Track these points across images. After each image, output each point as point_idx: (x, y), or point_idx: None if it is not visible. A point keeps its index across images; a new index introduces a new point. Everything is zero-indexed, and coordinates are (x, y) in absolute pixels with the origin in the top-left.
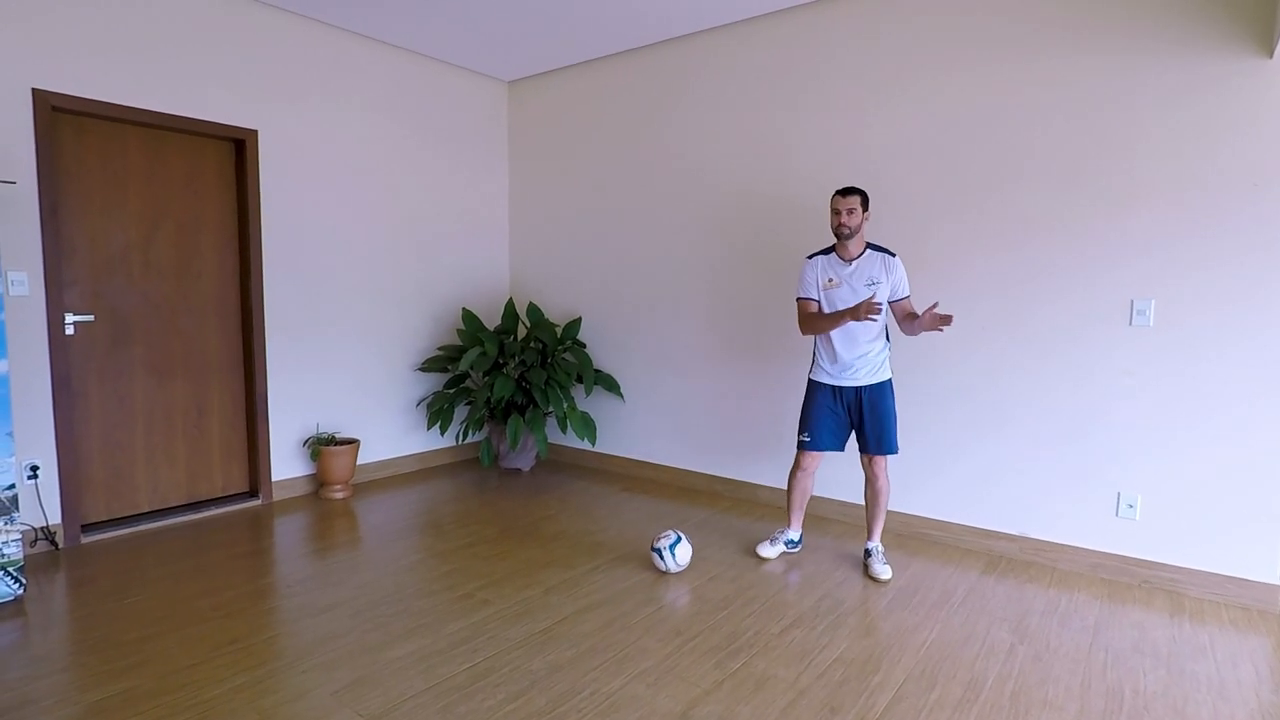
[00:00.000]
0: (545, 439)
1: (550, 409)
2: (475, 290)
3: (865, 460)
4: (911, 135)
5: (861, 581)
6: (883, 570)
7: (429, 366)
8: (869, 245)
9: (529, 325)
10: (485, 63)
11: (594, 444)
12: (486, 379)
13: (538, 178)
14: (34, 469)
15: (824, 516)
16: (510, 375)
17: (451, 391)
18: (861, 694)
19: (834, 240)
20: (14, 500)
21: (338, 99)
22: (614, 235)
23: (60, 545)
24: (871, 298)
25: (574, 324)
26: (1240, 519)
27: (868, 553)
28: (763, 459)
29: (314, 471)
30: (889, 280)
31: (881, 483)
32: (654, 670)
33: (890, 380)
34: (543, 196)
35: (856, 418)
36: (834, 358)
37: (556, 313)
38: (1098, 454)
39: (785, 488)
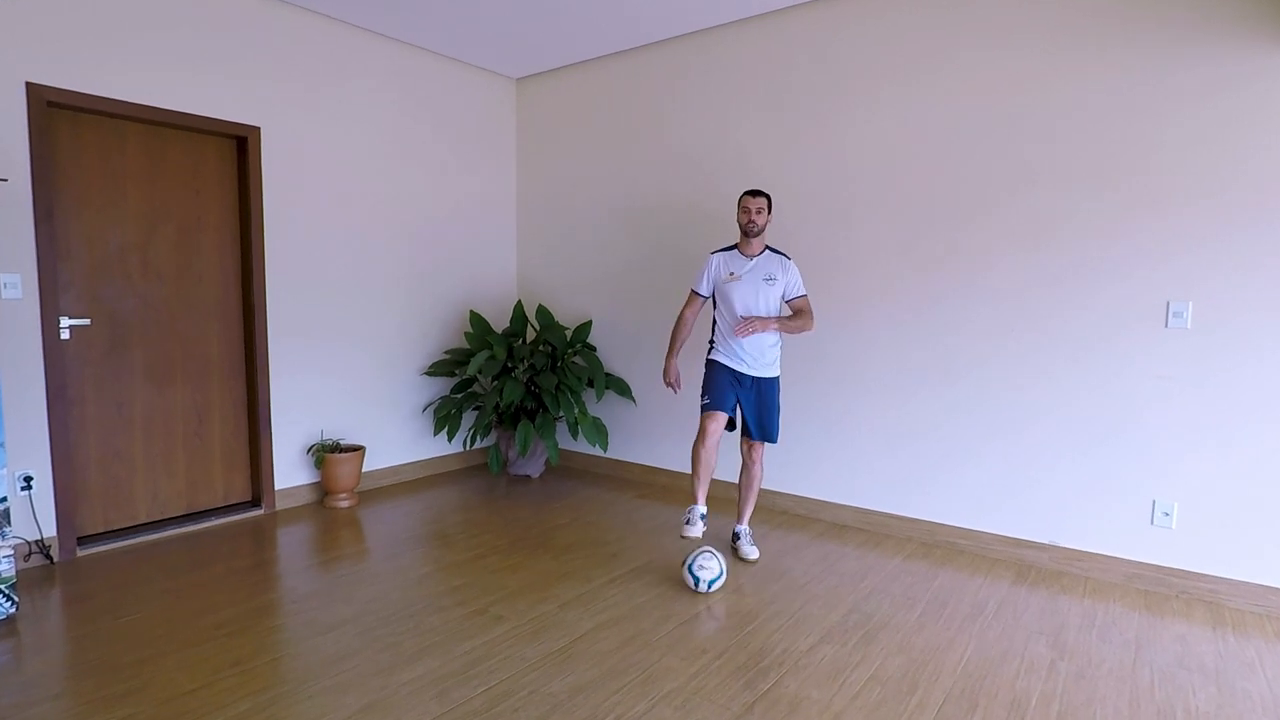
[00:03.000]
0: (556, 445)
1: (561, 414)
2: (483, 292)
3: (745, 446)
4: (935, 132)
5: (891, 593)
6: (751, 551)
7: (435, 371)
8: (767, 247)
9: (538, 328)
10: (493, 59)
11: (606, 450)
12: (495, 384)
13: (546, 177)
14: (28, 480)
15: (845, 525)
16: (519, 379)
17: (459, 396)
18: (900, 717)
19: (739, 237)
20: (6, 513)
21: (342, 95)
22: (625, 235)
23: (55, 559)
24: (748, 321)
25: (584, 327)
26: None
27: (736, 535)
28: (780, 465)
29: (318, 480)
30: (784, 279)
31: (757, 469)
32: (681, 692)
33: (779, 377)
34: (552, 196)
35: (747, 401)
36: (733, 349)
37: (566, 315)
38: (1131, 460)
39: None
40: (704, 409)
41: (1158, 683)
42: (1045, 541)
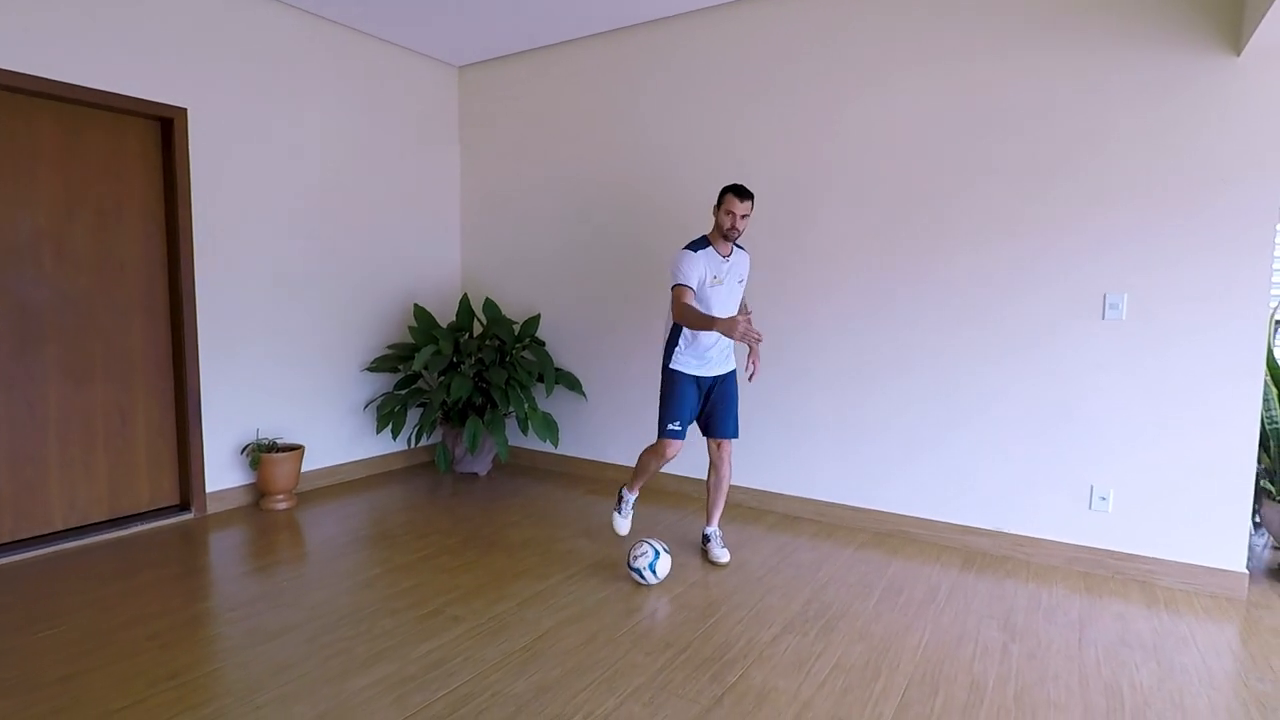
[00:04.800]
0: (505, 441)
1: (510, 410)
2: (426, 285)
3: (714, 445)
4: (881, 132)
5: (847, 583)
6: (721, 554)
7: (378, 366)
8: (735, 244)
9: (485, 322)
10: (434, 46)
11: (556, 445)
12: (442, 379)
13: (491, 168)
14: None
15: (797, 516)
16: (467, 375)
17: (403, 393)
18: (867, 703)
19: (710, 232)
20: None
21: (276, 78)
22: (573, 228)
23: None
24: (744, 315)
25: (532, 321)
26: (1209, 509)
27: (707, 538)
28: (733, 458)
29: (254, 481)
30: (747, 278)
31: (726, 469)
32: (648, 687)
33: (736, 369)
34: (496, 187)
35: (708, 404)
36: (702, 352)
37: (513, 309)
38: (1072, 448)
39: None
40: (668, 434)
41: (1103, 660)
42: (991, 528)
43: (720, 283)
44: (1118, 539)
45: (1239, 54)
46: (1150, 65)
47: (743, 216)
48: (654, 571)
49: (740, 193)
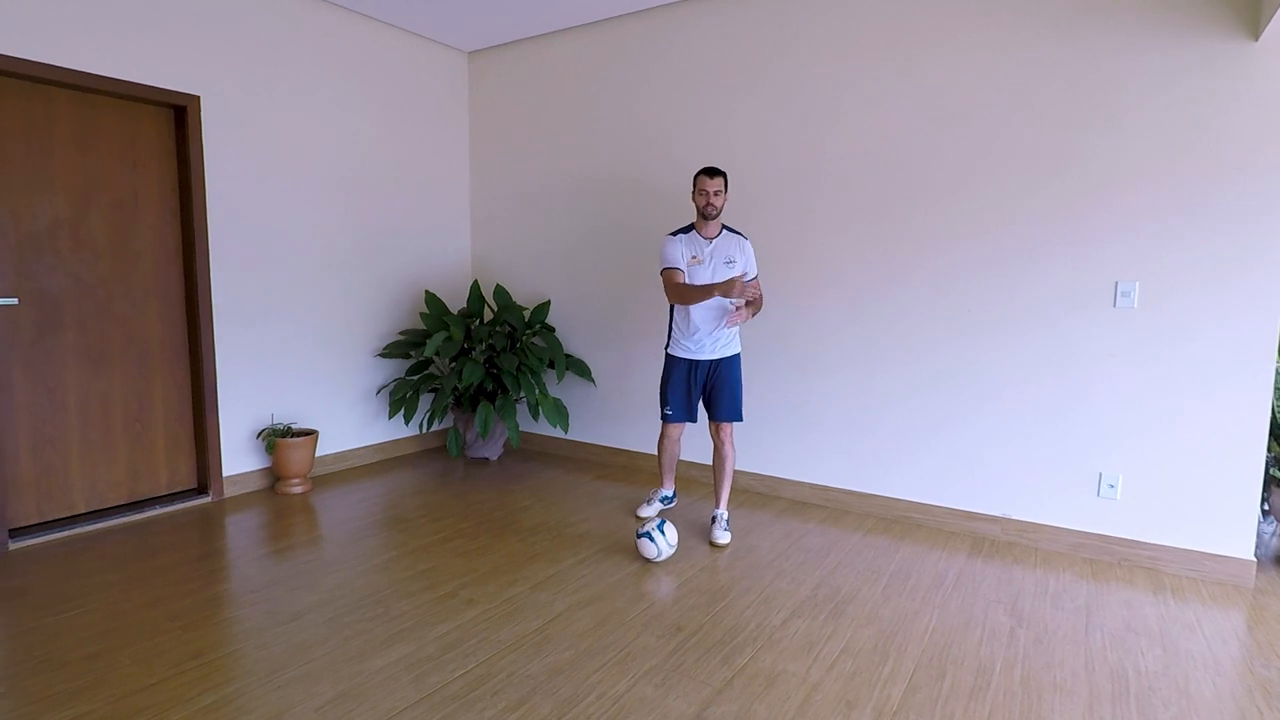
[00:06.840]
0: (517, 427)
1: (521, 395)
2: (437, 272)
3: (713, 428)
4: (888, 116)
5: (855, 568)
6: (721, 536)
7: (390, 352)
8: (724, 226)
9: (495, 309)
10: (444, 31)
11: (567, 431)
12: (453, 365)
13: (501, 154)
14: None
15: (805, 502)
16: (478, 360)
17: (415, 378)
18: (875, 686)
19: (695, 218)
20: None
21: (287, 65)
22: (583, 215)
23: None
24: (741, 276)
25: (543, 307)
26: (1218, 496)
27: (714, 519)
28: (742, 444)
29: (268, 465)
30: (742, 260)
31: (728, 449)
32: (660, 669)
33: (740, 354)
34: (506, 174)
35: (708, 388)
36: (693, 333)
37: (523, 295)
38: (1080, 435)
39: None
40: (663, 418)
41: (1109, 646)
42: (998, 514)
43: (701, 262)
44: (1125, 526)
45: (1257, 39)
46: (1166, 49)
47: (715, 193)
48: (663, 533)
49: (709, 171)
